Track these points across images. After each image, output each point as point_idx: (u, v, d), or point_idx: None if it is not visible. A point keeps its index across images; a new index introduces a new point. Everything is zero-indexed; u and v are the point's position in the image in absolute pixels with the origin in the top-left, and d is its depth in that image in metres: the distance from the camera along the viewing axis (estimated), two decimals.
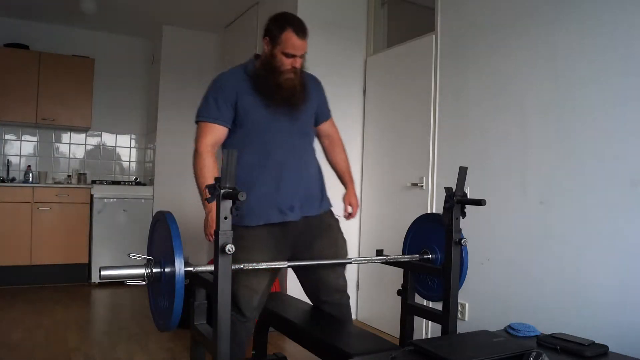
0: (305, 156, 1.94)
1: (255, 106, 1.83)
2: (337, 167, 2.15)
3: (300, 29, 1.80)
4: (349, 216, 2.11)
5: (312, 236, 1.92)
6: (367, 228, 3.58)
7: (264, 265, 1.64)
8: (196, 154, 1.81)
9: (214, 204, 1.68)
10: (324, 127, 2.10)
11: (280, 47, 1.79)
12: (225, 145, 1.90)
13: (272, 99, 1.81)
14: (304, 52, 1.84)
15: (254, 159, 1.83)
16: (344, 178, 2.14)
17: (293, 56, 1.80)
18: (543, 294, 2.33)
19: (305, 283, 2.03)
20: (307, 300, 2.18)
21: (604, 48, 2.14)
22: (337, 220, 2.04)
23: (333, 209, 2.06)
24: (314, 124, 2.04)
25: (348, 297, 2.05)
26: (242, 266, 1.56)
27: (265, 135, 1.84)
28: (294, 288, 2.36)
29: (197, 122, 1.86)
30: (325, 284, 1.96)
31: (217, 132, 1.83)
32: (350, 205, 2.09)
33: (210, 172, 1.77)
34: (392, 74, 3.45)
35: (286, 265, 1.68)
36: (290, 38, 1.78)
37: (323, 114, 2.08)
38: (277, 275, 1.90)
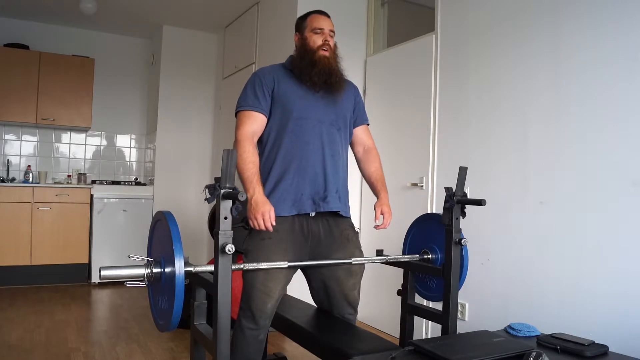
0: (340, 150, 1.92)
1: (292, 93, 1.85)
2: (372, 175, 2.03)
3: (323, 11, 1.94)
4: (378, 227, 1.93)
5: (329, 248, 1.88)
6: (367, 228, 3.58)
7: (264, 265, 1.63)
8: (236, 142, 1.80)
9: (255, 189, 1.68)
10: (360, 132, 2.05)
11: (308, 28, 1.90)
12: (263, 135, 1.89)
13: (308, 77, 1.83)
14: (332, 30, 1.91)
15: (290, 146, 1.83)
16: (377, 186, 2.00)
17: (321, 30, 1.88)
18: (543, 294, 2.33)
19: (320, 296, 1.97)
20: (306, 300, 2.18)
21: (605, 46, 2.14)
22: (356, 234, 1.99)
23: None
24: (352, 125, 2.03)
25: (356, 315, 2.00)
26: (242, 266, 1.56)
27: (302, 122, 1.83)
28: (294, 288, 2.36)
29: (236, 113, 1.87)
30: (337, 295, 1.91)
31: (256, 120, 1.84)
32: (382, 214, 1.93)
33: (250, 157, 1.75)
34: (392, 74, 3.45)
35: (286, 266, 1.67)
36: (315, 18, 1.91)
37: (360, 117, 2.06)
38: (289, 281, 1.85)
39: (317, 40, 1.87)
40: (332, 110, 1.90)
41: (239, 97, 1.89)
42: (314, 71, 1.83)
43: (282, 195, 1.81)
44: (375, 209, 1.96)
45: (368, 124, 2.11)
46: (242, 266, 1.56)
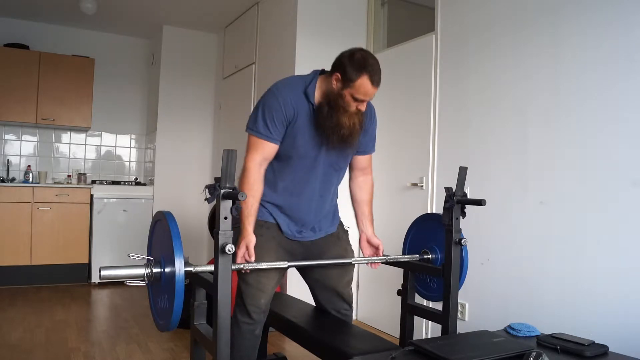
0: (332, 188, 1.93)
1: (306, 132, 1.77)
2: (361, 205, 1.99)
3: (377, 77, 1.69)
4: (374, 266, 1.99)
5: (322, 247, 1.92)
6: None
7: (264, 265, 1.64)
8: (243, 169, 1.76)
9: (247, 229, 1.66)
10: (363, 159, 1.98)
11: (352, 90, 1.68)
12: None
13: (329, 137, 1.74)
14: (372, 97, 1.75)
15: (288, 180, 1.83)
16: (367, 220, 1.99)
17: (362, 101, 1.72)
18: (543, 294, 2.33)
19: (317, 293, 2.01)
20: (307, 300, 2.18)
21: (605, 46, 2.14)
22: (346, 232, 2.02)
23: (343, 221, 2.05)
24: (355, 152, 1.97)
25: (352, 311, 2.04)
26: (242, 265, 1.57)
27: (304, 161, 1.80)
28: (294, 288, 2.36)
29: (247, 131, 1.80)
30: (332, 292, 1.96)
31: (267, 149, 1.76)
32: (376, 253, 1.97)
33: (253, 192, 1.70)
34: (392, 74, 3.44)
35: (286, 266, 1.68)
36: (364, 85, 1.67)
37: (368, 146, 1.97)
38: (282, 277, 1.89)
39: (352, 106, 1.71)
40: (338, 153, 1.85)
41: (252, 114, 1.80)
42: (335, 135, 1.73)
43: (272, 212, 1.86)
44: (363, 246, 1.97)
45: (373, 152, 2.03)
46: (242, 266, 1.57)
